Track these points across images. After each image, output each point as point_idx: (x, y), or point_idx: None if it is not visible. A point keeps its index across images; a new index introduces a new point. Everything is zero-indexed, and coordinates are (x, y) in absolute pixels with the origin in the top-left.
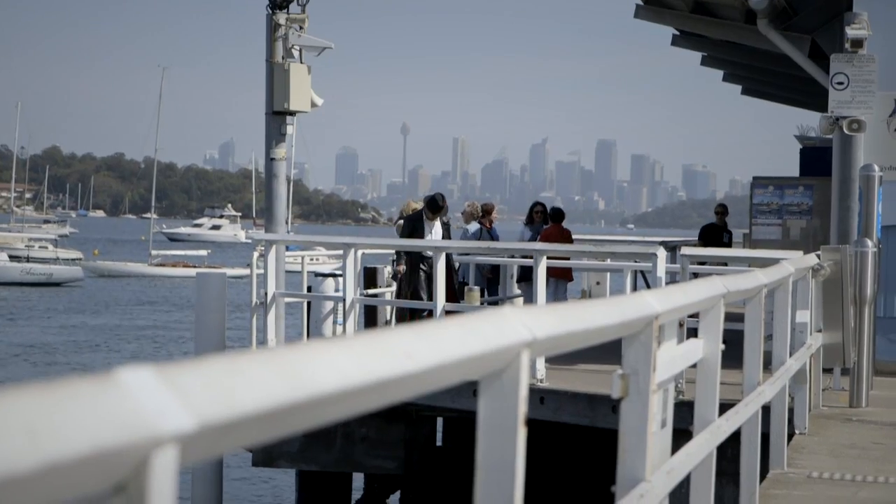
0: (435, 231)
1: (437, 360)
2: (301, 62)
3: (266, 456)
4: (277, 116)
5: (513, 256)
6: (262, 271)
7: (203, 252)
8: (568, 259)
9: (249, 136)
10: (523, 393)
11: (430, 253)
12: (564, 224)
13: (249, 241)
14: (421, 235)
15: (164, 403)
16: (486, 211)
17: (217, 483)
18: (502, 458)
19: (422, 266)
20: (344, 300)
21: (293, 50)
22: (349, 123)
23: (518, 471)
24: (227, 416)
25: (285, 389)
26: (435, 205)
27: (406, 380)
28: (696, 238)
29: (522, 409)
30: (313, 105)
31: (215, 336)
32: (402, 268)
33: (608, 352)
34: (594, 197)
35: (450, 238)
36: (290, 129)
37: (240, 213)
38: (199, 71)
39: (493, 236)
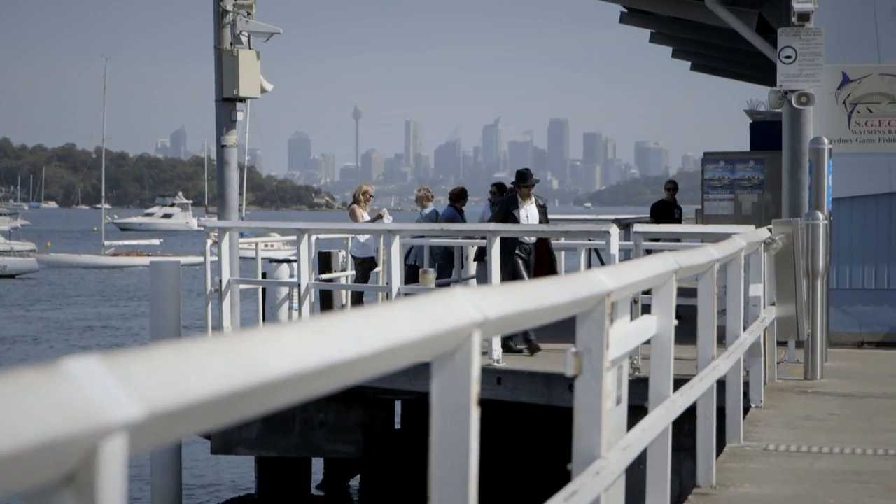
0: (531, 214)
1: (387, 342)
2: (250, 48)
3: (224, 443)
4: (227, 103)
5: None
6: (216, 259)
7: (156, 241)
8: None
9: (201, 123)
10: (475, 373)
11: (527, 239)
12: None
13: (202, 228)
14: (516, 221)
15: (112, 392)
16: (461, 194)
17: (176, 471)
18: (456, 438)
19: (518, 253)
20: (299, 286)
21: (241, 36)
22: (301, 108)
23: (472, 450)
24: (177, 404)
25: (235, 375)
26: (525, 177)
27: (357, 362)
28: (649, 215)
29: (475, 388)
30: (263, 91)
31: (171, 325)
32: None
33: (566, 330)
34: (548, 176)
35: (547, 222)
36: (240, 116)
37: (191, 201)
38: (150, 59)
39: (463, 219)
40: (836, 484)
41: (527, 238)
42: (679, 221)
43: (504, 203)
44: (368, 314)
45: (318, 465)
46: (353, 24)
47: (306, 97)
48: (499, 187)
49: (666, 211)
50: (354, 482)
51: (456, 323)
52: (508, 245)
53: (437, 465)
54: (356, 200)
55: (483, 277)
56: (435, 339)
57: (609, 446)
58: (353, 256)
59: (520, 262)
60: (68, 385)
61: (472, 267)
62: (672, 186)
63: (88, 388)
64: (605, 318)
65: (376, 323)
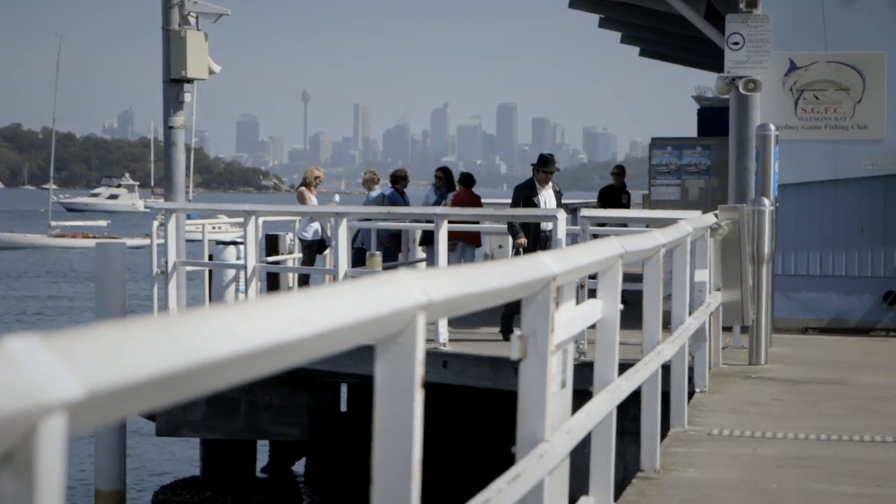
0: (549, 201)
1: (331, 324)
2: (197, 29)
3: (169, 425)
4: (175, 84)
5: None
6: (162, 241)
7: (103, 223)
8: (477, 223)
9: (149, 104)
10: (420, 355)
11: (545, 226)
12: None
13: (148, 210)
14: (535, 206)
15: (52, 371)
16: (401, 176)
17: (120, 454)
18: (400, 421)
19: (537, 243)
20: (245, 268)
21: (189, 17)
22: (249, 90)
23: (416, 433)
24: (118, 383)
25: (177, 355)
26: (547, 162)
27: (300, 344)
28: (596, 200)
29: (419, 371)
30: (211, 72)
31: (116, 306)
32: (523, 240)
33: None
34: (496, 161)
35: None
36: (188, 97)
37: (138, 183)
38: (97, 39)
39: (405, 201)
40: (780, 469)
41: (545, 225)
42: (628, 206)
43: (522, 189)
44: (312, 296)
45: (263, 447)
46: (301, 7)
47: (254, 79)
48: (444, 172)
49: (614, 196)
50: (300, 465)
51: (400, 305)
52: (530, 233)
53: (381, 449)
54: (306, 184)
55: (431, 261)
56: (379, 321)
57: (553, 430)
58: (300, 239)
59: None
60: (8, 364)
61: (419, 250)
62: (618, 171)
63: (28, 366)
64: (551, 302)
65: (320, 304)
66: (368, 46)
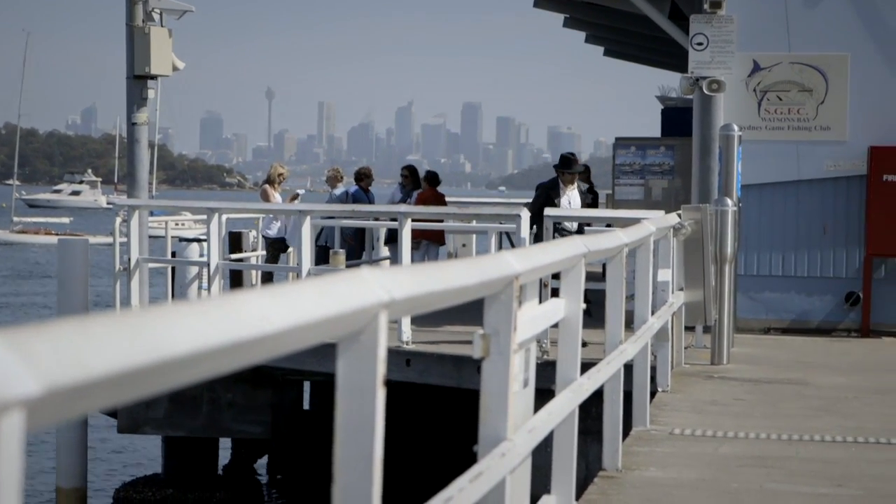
0: (573, 201)
1: (292, 321)
2: (162, 25)
3: (131, 422)
4: (138, 80)
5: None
6: (125, 238)
7: (66, 219)
8: (441, 221)
9: (112, 101)
10: (382, 353)
11: (568, 226)
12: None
13: (111, 206)
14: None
15: (10, 367)
16: (365, 174)
17: (82, 451)
18: (361, 419)
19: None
20: (208, 265)
21: (153, 13)
22: (213, 88)
23: (377, 431)
24: (76, 380)
25: (136, 352)
26: (570, 164)
27: (262, 342)
28: None
29: (381, 369)
30: (175, 69)
31: (78, 303)
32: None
33: (478, 312)
34: (460, 160)
35: (595, 205)
36: (151, 94)
37: (100, 179)
38: (60, 35)
39: (369, 199)
40: (741, 468)
41: (568, 225)
42: (594, 206)
43: (545, 189)
44: (274, 293)
45: (225, 445)
46: (266, 5)
47: (219, 76)
48: (410, 170)
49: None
50: (262, 463)
51: (362, 303)
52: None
53: (342, 447)
54: (270, 181)
55: (396, 259)
56: (341, 319)
57: (515, 429)
58: (264, 237)
59: None
60: None
61: (384, 249)
62: (582, 171)
63: None
64: (513, 301)
65: (282, 302)
66: (333, 44)
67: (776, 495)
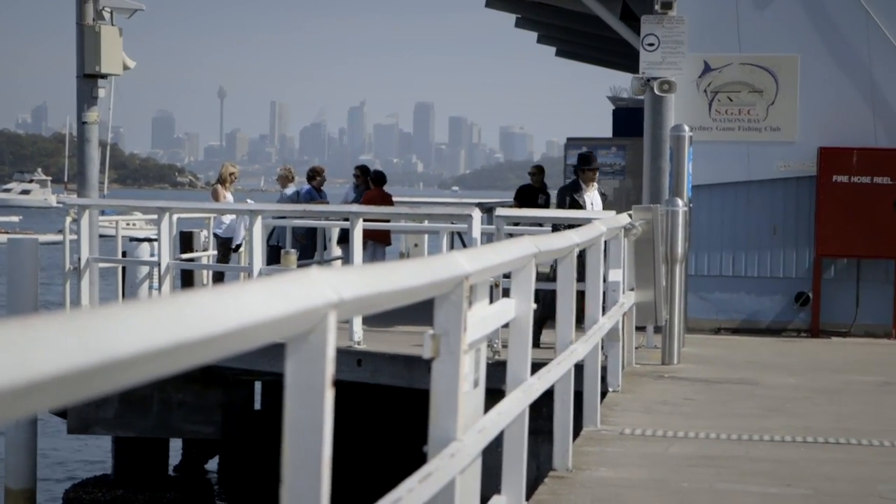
0: (595, 202)
1: (240, 321)
2: (112, 24)
3: (81, 423)
4: (89, 79)
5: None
6: (75, 237)
7: (15, 218)
8: (388, 221)
9: (63, 99)
10: (330, 354)
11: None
12: (384, 187)
13: (61, 205)
14: (581, 208)
15: None
16: (318, 172)
17: (31, 451)
18: (310, 420)
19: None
20: (159, 265)
21: (104, 12)
22: (165, 87)
23: (326, 432)
24: (21, 380)
25: (82, 353)
26: (589, 160)
27: (209, 342)
28: (513, 199)
29: (329, 370)
30: (125, 68)
31: (28, 303)
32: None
33: (431, 312)
34: (413, 160)
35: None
36: (102, 93)
37: (50, 178)
38: (10, 34)
39: (322, 198)
40: (691, 468)
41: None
42: (545, 206)
43: (566, 190)
44: (221, 293)
45: (176, 445)
46: (218, 3)
47: (171, 75)
48: (362, 170)
49: (531, 196)
50: (213, 463)
51: (310, 303)
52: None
53: (290, 448)
54: (221, 180)
55: (348, 259)
56: (289, 319)
57: (465, 429)
58: (215, 236)
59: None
60: None
61: (337, 248)
62: (536, 171)
63: None
64: (464, 301)
65: (229, 302)
66: (285, 43)
67: (726, 495)
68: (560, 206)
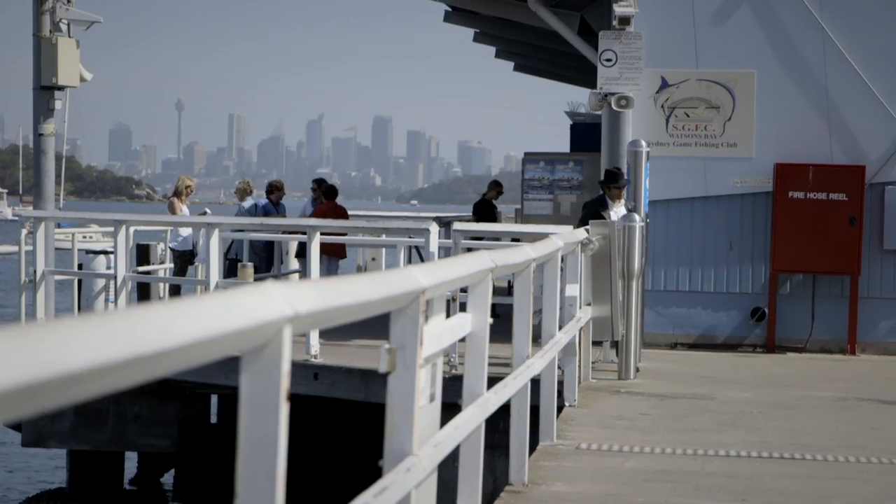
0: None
1: (194, 335)
2: (69, 36)
3: (36, 436)
4: (45, 91)
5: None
6: (31, 248)
7: None
8: (344, 235)
9: (19, 111)
10: (286, 368)
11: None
12: (340, 201)
13: (17, 218)
14: None
15: None
16: (276, 187)
17: None
18: (265, 434)
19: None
20: (115, 278)
21: (61, 24)
22: (122, 99)
23: (281, 446)
24: None
25: (34, 366)
26: (616, 178)
27: (163, 356)
28: (471, 213)
29: (285, 384)
30: (82, 80)
31: None
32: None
33: (388, 326)
34: (371, 173)
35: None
36: (59, 105)
37: (6, 190)
38: None
39: (280, 212)
40: (646, 483)
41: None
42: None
43: (592, 205)
44: (176, 307)
45: (131, 459)
46: (175, 16)
47: (128, 88)
48: (318, 183)
49: (488, 210)
50: (168, 477)
51: (265, 317)
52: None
53: (245, 462)
54: (177, 193)
55: (305, 273)
56: (243, 333)
57: (421, 443)
58: (171, 249)
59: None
60: None
61: (295, 262)
62: (494, 186)
63: None
64: (420, 316)
65: (184, 316)
66: (243, 56)
67: None
68: (583, 221)
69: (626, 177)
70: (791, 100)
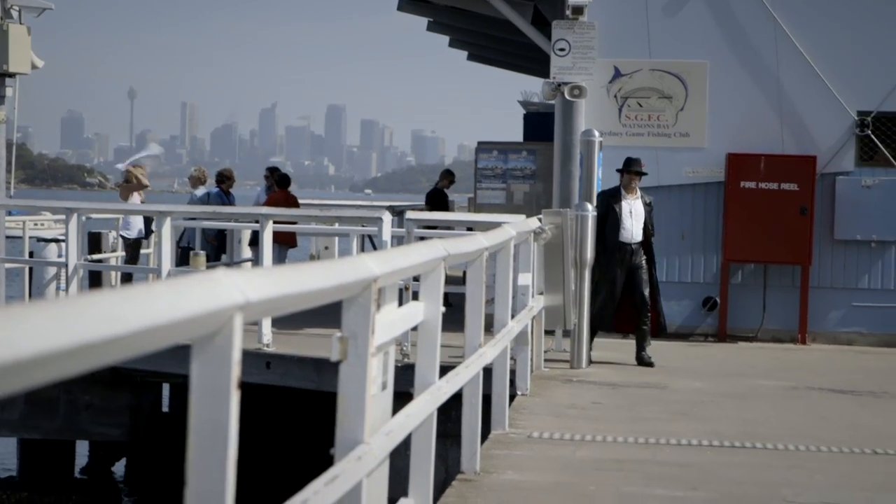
0: (635, 210)
1: (144, 322)
2: (20, 23)
3: None
4: None
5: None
6: None
7: None
8: (295, 224)
9: None
10: (236, 356)
11: (627, 238)
12: (293, 189)
13: None
14: (616, 218)
15: None
16: (227, 176)
17: None
18: (215, 422)
19: (619, 256)
20: (66, 266)
21: (12, 10)
22: (74, 86)
23: (231, 434)
24: None
25: None
26: (630, 161)
27: (112, 343)
28: (424, 203)
29: (236, 372)
30: (34, 67)
31: None
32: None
33: (340, 315)
34: (325, 162)
35: (651, 222)
36: (9, 91)
37: None
38: None
39: (230, 201)
40: (598, 471)
41: (628, 236)
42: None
43: (604, 195)
44: (125, 294)
45: (82, 447)
46: (127, 3)
47: (80, 75)
48: (271, 171)
49: (441, 199)
50: (120, 466)
51: (216, 305)
52: (607, 246)
53: (195, 450)
54: (128, 181)
55: (258, 261)
56: (194, 320)
57: (373, 432)
58: (123, 237)
59: (617, 269)
60: None
61: (248, 250)
62: (446, 175)
63: None
64: (372, 304)
65: (133, 303)
66: (197, 44)
67: (632, 498)
68: (597, 210)
69: (639, 166)
70: (743, 90)
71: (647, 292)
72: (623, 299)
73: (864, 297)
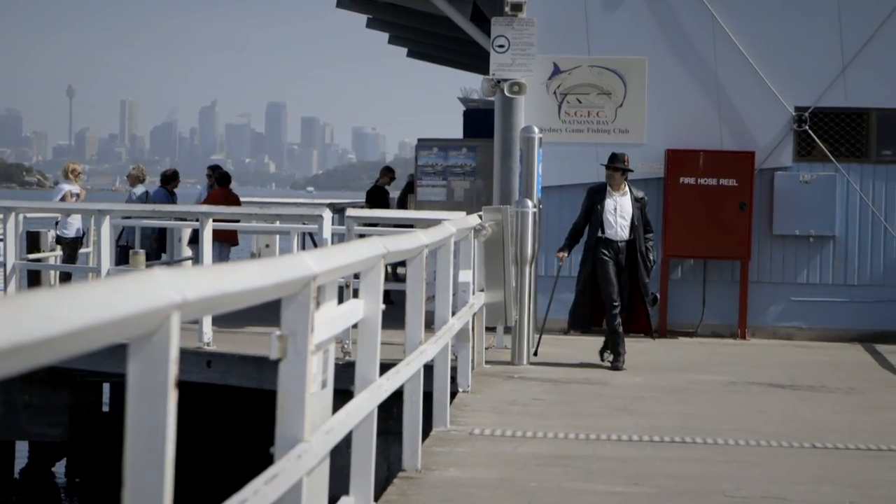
0: (621, 207)
1: (80, 322)
2: None
3: None
4: None
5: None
6: None
7: None
8: (237, 221)
9: None
10: (174, 355)
11: (614, 234)
12: (234, 187)
13: None
14: (598, 215)
15: None
16: (171, 176)
17: None
18: (153, 422)
19: (603, 251)
20: (4, 265)
21: None
22: (12, 85)
23: (169, 434)
24: None
25: None
26: (613, 157)
27: (48, 343)
28: (364, 200)
29: (173, 371)
30: None
31: None
32: (561, 254)
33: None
34: (265, 160)
35: (645, 219)
36: None
37: None
38: None
39: (174, 201)
40: (539, 468)
41: (613, 234)
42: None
43: (590, 191)
44: (62, 293)
45: (22, 448)
46: (65, 1)
47: (17, 73)
48: (213, 169)
49: (381, 197)
50: (60, 466)
51: (153, 304)
52: (588, 243)
53: (132, 450)
54: (65, 179)
55: (198, 260)
56: (132, 319)
57: (313, 430)
58: (61, 236)
59: (608, 263)
60: None
61: (188, 249)
62: (386, 172)
63: None
64: (311, 302)
65: (70, 302)
66: (135, 41)
67: (573, 494)
68: (582, 206)
69: (623, 162)
70: (682, 86)
71: (625, 295)
72: (596, 296)
73: (803, 291)
